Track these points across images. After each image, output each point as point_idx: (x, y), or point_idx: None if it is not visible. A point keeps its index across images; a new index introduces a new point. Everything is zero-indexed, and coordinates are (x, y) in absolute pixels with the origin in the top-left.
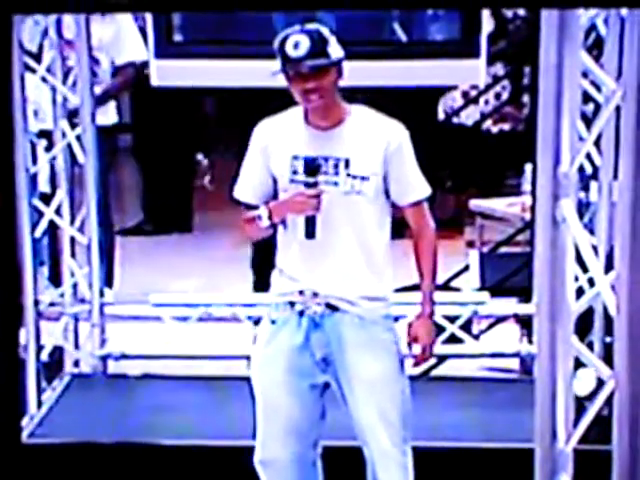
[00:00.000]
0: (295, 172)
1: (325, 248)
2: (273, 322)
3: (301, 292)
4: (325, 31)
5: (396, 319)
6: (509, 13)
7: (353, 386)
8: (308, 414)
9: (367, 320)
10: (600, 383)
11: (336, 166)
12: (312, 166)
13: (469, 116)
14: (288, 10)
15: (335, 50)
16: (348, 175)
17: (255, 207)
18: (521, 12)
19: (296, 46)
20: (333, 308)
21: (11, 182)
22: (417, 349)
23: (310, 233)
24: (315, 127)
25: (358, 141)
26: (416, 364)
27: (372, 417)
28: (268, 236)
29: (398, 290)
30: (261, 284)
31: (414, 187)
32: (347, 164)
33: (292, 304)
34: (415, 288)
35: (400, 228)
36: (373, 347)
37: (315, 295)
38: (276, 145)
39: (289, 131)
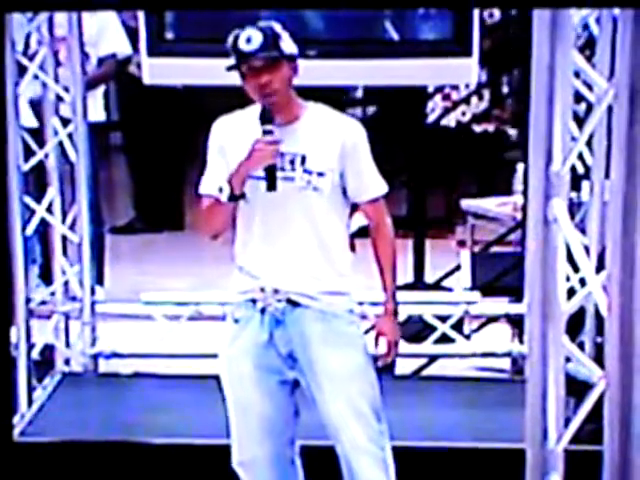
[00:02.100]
0: None
1: (283, 244)
2: (236, 321)
3: (262, 289)
4: (278, 27)
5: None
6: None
7: (320, 382)
8: (281, 411)
9: (329, 314)
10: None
11: (292, 162)
12: (267, 114)
13: (452, 118)
14: (280, 8)
15: (288, 45)
16: (304, 171)
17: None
18: (497, 13)
19: (248, 41)
20: (294, 304)
21: (2, 180)
22: (383, 347)
23: (271, 185)
24: None
25: (314, 137)
26: (383, 362)
27: (343, 412)
28: (227, 227)
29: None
30: None
31: (370, 184)
32: (303, 160)
33: (254, 301)
34: (399, 288)
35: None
36: (337, 341)
37: (276, 292)
38: (232, 143)
39: (245, 128)
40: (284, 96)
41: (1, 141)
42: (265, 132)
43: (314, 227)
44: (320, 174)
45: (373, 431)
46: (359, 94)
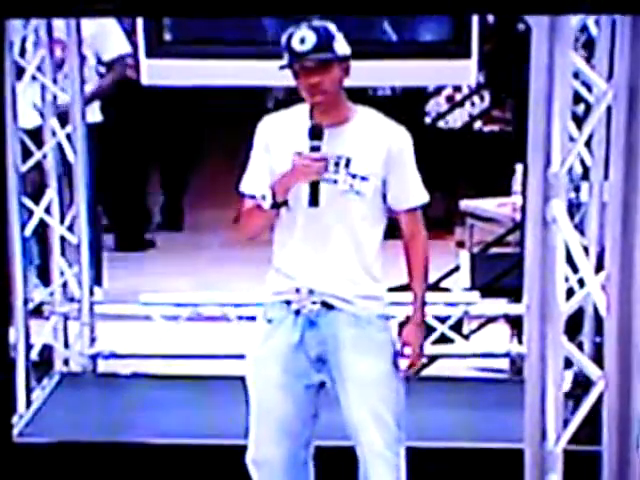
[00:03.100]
0: None
1: (321, 246)
2: (269, 321)
3: (297, 290)
4: (332, 27)
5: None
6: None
7: (346, 386)
8: (302, 414)
9: (362, 319)
10: (577, 383)
11: (337, 164)
12: (316, 130)
13: (456, 119)
14: (277, 16)
15: (341, 47)
16: (348, 174)
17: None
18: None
19: (302, 41)
20: (328, 306)
21: (1, 182)
22: (408, 353)
23: (314, 201)
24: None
25: (361, 141)
26: (406, 372)
27: (365, 418)
28: (265, 230)
29: (391, 290)
30: None
31: (411, 193)
32: (348, 163)
33: (288, 303)
34: (405, 288)
35: (393, 229)
36: (367, 347)
37: (311, 293)
38: (278, 142)
39: (292, 128)
40: (333, 97)
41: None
42: (313, 148)
43: (353, 231)
44: (363, 178)
45: (391, 437)
46: (387, 92)
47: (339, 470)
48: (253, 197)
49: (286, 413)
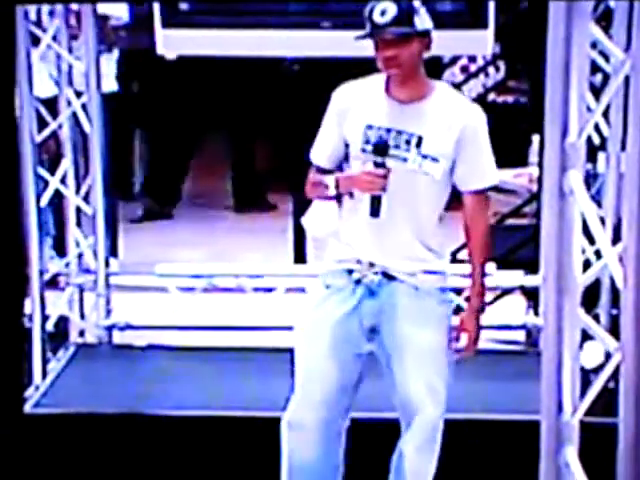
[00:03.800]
0: (367, 142)
1: (385, 223)
2: (327, 287)
3: (358, 261)
4: (416, 2)
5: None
6: None
7: (402, 355)
8: (345, 382)
9: (422, 291)
10: (608, 356)
11: (408, 142)
12: (381, 146)
13: (471, 89)
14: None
15: (422, 21)
16: (418, 153)
17: (327, 171)
18: None
19: (383, 13)
20: (390, 277)
21: (15, 152)
22: (463, 342)
23: (375, 212)
24: (394, 99)
25: (434, 120)
26: (460, 357)
27: (421, 389)
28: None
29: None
30: (301, 256)
31: (479, 175)
32: (419, 142)
33: (350, 272)
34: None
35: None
36: (426, 318)
37: (371, 265)
38: (352, 111)
39: (368, 99)
40: (409, 71)
41: (11, 113)
42: (377, 164)
43: (417, 210)
44: (434, 159)
45: (442, 410)
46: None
47: (368, 443)
48: (320, 168)
49: (330, 379)
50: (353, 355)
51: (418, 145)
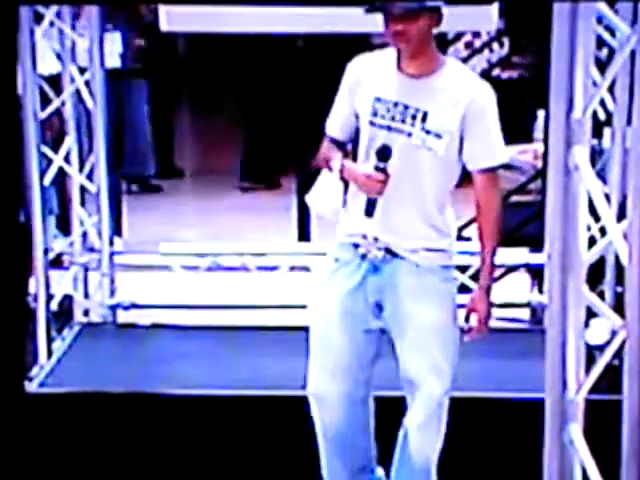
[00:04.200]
0: (375, 114)
1: (389, 199)
2: (336, 260)
3: (364, 236)
4: None
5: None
6: None
7: (404, 333)
8: (358, 355)
9: (424, 268)
10: (614, 333)
11: (414, 117)
12: (384, 152)
13: (475, 65)
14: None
15: None
16: (422, 129)
17: (339, 143)
18: None
19: None
20: (393, 254)
21: (16, 129)
22: (473, 322)
23: (369, 212)
24: (404, 73)
25: (441, 96)
26: (470, 337)
27: (424, 367)
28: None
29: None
30: (305, 234)
31: (487, 153)
32: (424, 117)
33: (356, 246)
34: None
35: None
36: (428, 295)
37: (376, 240)
38: (363, 83)
39: (379, 72)
40: (418, 46)
41: (13, 90)
42: (377, 169)
43: (421, 186)
44: (437, 135)
45: (447, 387)
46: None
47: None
48: (332, 139)
49: (342, 350)
50: (362, 330)
51: (423, 120)
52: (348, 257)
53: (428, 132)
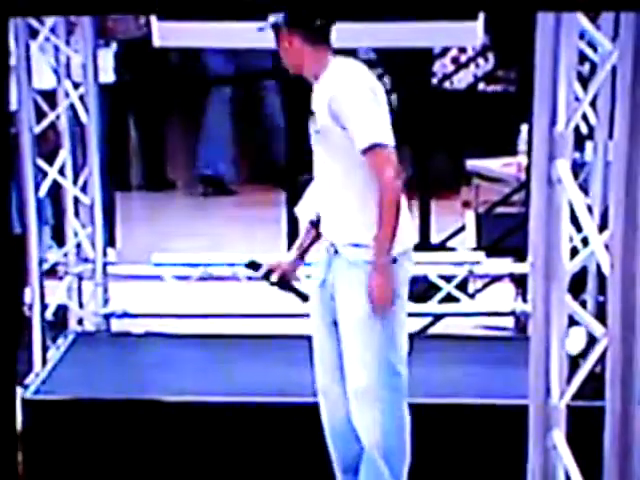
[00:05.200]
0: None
1: (322, 200)
2: (317, 262)
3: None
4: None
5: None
6: None
7: (340, 326)
8: (337, 350)
9: (352, 264)
10: (591, 341)
11: (313, 121)
12: (253, 265)
13: (461, 80)
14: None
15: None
16: (315, 130)
17: None
18: None
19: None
20: (335, 250)
21: (8, 144)
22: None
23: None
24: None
25: (320, 97)
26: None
27: (349, 356)
28: None
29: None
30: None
31: (357, 137)
32: (314, 117)
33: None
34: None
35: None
36: (355, 289)
37: (326, 238)
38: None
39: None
40: (292, 61)
41: (4, 105)
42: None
43: (332, 182)
44: (317, 132)
45: (373, 379)
46: (371, 55)
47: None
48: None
49: (325, 347)
50: (330, 323)
51: (314, 121)
52: (322, 256)
53: (317, 132)
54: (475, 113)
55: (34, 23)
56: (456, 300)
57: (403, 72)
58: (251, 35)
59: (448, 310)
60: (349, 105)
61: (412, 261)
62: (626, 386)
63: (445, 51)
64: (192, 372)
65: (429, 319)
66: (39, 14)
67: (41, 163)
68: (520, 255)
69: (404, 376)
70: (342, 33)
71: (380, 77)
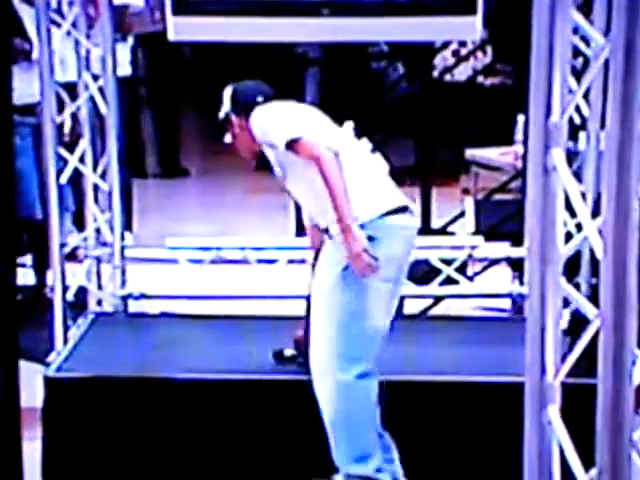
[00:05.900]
0: None
1: (303, 201)
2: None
3: None
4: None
5: None
6: None
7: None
8: None
9: (331, 238)
10: (574, 321)
11: None
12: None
13: (461, 72)
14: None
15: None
16: (273, 164)
17: None
18: None
19: None
20: (328, 234)
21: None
22: None
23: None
24: None
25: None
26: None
27: (313, 330)
28: None
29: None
30: (301, 230)
31: (277, 143)
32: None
33: None
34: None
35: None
36: (324, 262)
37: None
38: None
39: None
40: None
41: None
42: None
43: (301, 184)
44: (274, 163)
45: (329, 351)
46: (385, 48)
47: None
48: None
49: None
50: None
51: (271, 159)
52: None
53: (274, 163)
54: (474, 104)
55: (57, 18)
56: (456, 282)
57: (410, 65)
58: (265, 29)
59: (448, 292)
60: (263, 127)
61: (399, 238)
62: (617, 365)
63: (446, 45)
64: (204, 351)
65: (430, 301)
66: None
67: (62, 152)
68: (517, 240)
69: (371, 353)
70: (346, 28)
71: (394, 67)
